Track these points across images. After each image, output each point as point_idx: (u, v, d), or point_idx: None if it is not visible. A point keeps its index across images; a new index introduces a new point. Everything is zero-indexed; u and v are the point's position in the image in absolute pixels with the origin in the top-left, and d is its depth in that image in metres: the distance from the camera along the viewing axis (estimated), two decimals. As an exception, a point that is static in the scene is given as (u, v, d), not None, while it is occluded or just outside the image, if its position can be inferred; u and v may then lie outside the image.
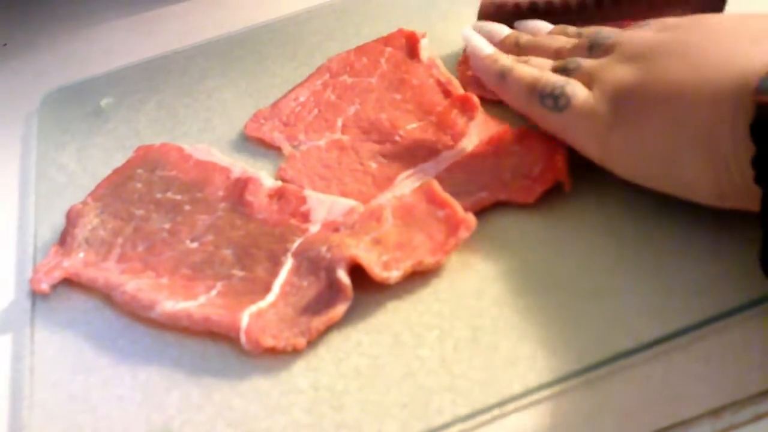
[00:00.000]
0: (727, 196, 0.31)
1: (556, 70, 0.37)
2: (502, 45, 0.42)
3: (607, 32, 0.38)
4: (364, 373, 0.32)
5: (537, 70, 0.38)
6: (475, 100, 0.41)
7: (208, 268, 0.37)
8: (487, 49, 0.41)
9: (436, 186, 0.37)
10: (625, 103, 0.33)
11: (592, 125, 0.34)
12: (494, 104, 0.41)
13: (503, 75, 0.39)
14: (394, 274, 0.34)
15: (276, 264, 0.36)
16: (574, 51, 0.38)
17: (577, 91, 0.35)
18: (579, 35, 0.40)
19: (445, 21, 0.48)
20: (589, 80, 0.36)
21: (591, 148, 0.35)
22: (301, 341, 0.33)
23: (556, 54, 0.39)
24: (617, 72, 0.34)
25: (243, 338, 0.33)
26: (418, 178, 0.39)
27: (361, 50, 0.46)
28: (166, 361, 0.34)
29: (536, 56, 0.40)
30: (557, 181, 0.36)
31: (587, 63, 0.36)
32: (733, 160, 0.30)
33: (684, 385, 0.30)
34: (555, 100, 0.36)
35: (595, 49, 0.37)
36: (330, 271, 0.34)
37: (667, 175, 0.33)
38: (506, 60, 0.39)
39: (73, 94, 0.50)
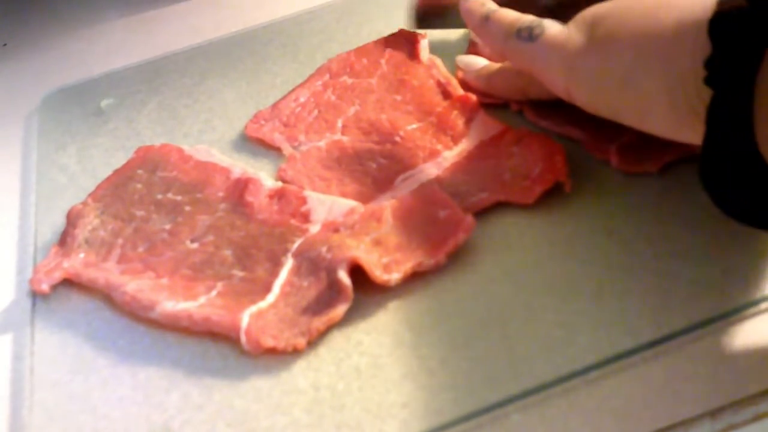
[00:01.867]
0: (681, 122, 0.31)
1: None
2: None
3: None
4: (364, 373, 0.32)
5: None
6: (475, 100, 0.41)
7: (208, 269, 0.37)
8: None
9: (436, 187, 0.37)
10: (597, 25, 0.34)
11: (561, 52, 0.35)
12: (494, 105, 0.42)
13: (487, 17, 0.39)
14: (394, 277, 0.34)
15: (276, 264, 0.36)
16: None
17: (553, 24, 0.36)
18: None
19: (445, 22, 0.48)
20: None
21: (557, 76, 0.36)
22: (302, 341, 0.33)
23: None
24: (596, 4, 0.35)
25: (243, 338, 0.33)
26: (418, 179, 0.39)
27: (361, 51, 0.46)
28: (166, 361, 0.34)
29: None
30: (557, 181, 0.36)
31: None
32: (692, 77, 0.30)
33: (684, 385, 0.30)
34: (530, 31, 0.36)
35: None
36: (330, 271, 0.34)
37: (624, 98, 0.33)
38: (492, 5, 0.40)
39: (73, 94, 0.50)
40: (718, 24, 0.29)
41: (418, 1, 0.45)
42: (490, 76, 0.42)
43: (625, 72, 0.33)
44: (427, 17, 0.45)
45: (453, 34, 0.47)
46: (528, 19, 0.37)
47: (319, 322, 0.33)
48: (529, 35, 0.36)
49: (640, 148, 0.37)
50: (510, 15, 0.38)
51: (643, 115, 0.33)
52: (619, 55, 0.33)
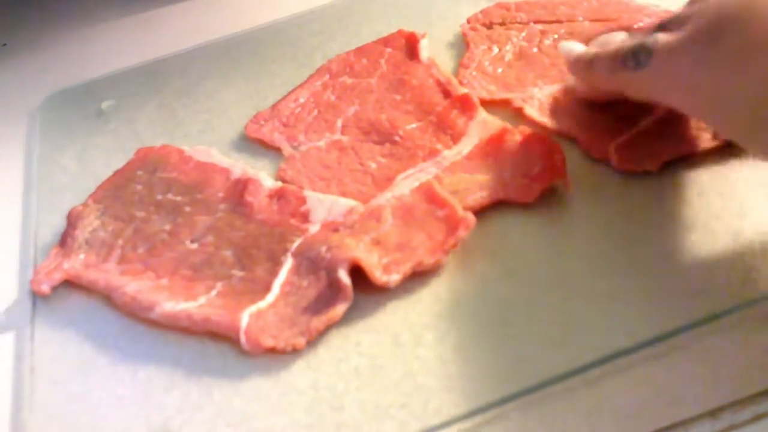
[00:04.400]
0: None
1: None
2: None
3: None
4: (363, 373, 0.32)
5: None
6: (475, 100, 0.41)
7: (208, 269, 0.37)
8: (579, 47, 0.38)
9: (436, 186, 0.37)
10: (723, 31, 0.28)
11: (678, 67, 0.30)
12: (494, 104, 0.42)
13: (592, 61, 0.36)
14: (393, 278, 0.34)
15: (276, 264, 0.36)
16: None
17: (659, 37, 0.31)
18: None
19: (445, 21, 0.48)
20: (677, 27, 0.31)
21: (678, 97, 0.31)
22: (301, 341, 0.33)
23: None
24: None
25: (243, 338, 0.33)
26: (417, 178, 0.39)
27: (360, 51, 0.46)
28: (166, 361, 0.34)
29: None
30: (556, 180, 0.36)
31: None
32: None
33: (684, 385, 0.30)
34: (635, 55, 0.32)
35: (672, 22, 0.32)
36: (330, 271, 0.34)
37: (752, 134, 0.28)
38: (595, 49, 0.37)
39: (74, 96, 0.50)
40: None
41: None
42: (591, 60, 0.36)
43: (754, 106, 0.27)
44: None
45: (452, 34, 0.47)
46: (630, 43, 0.33)
47: (318, 322, 0.33)
48: (636, 62, 0.32)
49: (638, 147, 0.37)
50: (611, 49, 0.34)
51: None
52: (750, 79, 0.27)
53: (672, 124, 0.37)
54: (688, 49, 0.30)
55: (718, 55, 0.28)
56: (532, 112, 0.41)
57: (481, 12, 0.47)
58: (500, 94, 0.42)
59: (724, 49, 0.28)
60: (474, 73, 0.43)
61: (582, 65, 0.37)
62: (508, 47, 0.44)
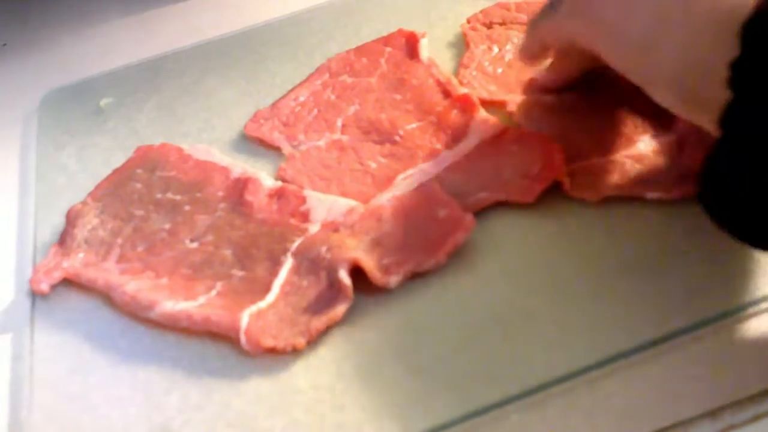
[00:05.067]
0: (685, 101, 0.30)
1: None
2: None
3: None
4: (364, 373, 0.32)
5: None
6: (475, 99, 0.41)
7: (207, 268, 0.37)
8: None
9: (436, 186, 0.37)
10: None
11: (584, 5, 0.34)
12: (494, 104, 0.42)
13: (528, 28, 0.39)
14: (393, 279, 0.34)
15: (276, 264, 0.36)
16: None
17: None
18: None
19: (445, 21, 0.48)
20: None
21: (583, 31, 0.34)
22: (301, 341, 0.33)
23: None
24: None
25: (243, 338, 0.33)
26: (417, 178, 0.39)
27: (360, 50, 0.46)
28: (166, 361, 0.34)
29: None
30: (556, 179, 0.36)
31: None
32: (708, 60, 0.28)
33: (683, 385, 0.30)
34: (552, 3, 0.36)
35: None
36: (331, 271, 0.34)
37: (638, 58, 0.32)
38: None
39: (72, 94, 0.50)
40: (752, 28, 0.27)
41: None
42: (551, 65, 0.41)
43: (644, 32, 0.31)
44: None
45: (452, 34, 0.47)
46: None
47: (318, 322, 0.33)
48: (551, 5, 0.36)
49: (588, 175, 0.37)
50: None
51: (651, 83, 0.32)
52: (643, 9, 0.31)
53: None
54: None
55: None
56: (519, 117, 0.40)
57: (482, 12, 0.47)
58: (500, 95, 0.42)
59: None
60: (474, 73, 0.43)
61: (525, 38, 0.40)
62: (508, 47, 0.44)
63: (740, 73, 0.27)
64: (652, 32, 0.31)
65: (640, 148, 0.37)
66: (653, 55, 0.31)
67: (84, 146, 0.46)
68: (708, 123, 0.29)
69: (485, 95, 0.42)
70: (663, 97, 0.31)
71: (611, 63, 0.33)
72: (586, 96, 0.40)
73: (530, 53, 0.40)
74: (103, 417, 0.33)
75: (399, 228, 0.36)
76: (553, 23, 0.37)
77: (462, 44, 0.46)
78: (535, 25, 0.39)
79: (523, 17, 0.46)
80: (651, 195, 0.35)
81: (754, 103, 0.27)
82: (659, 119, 0.37)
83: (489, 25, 0.46)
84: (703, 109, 0.29)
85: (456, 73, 0.44)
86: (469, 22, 0.47)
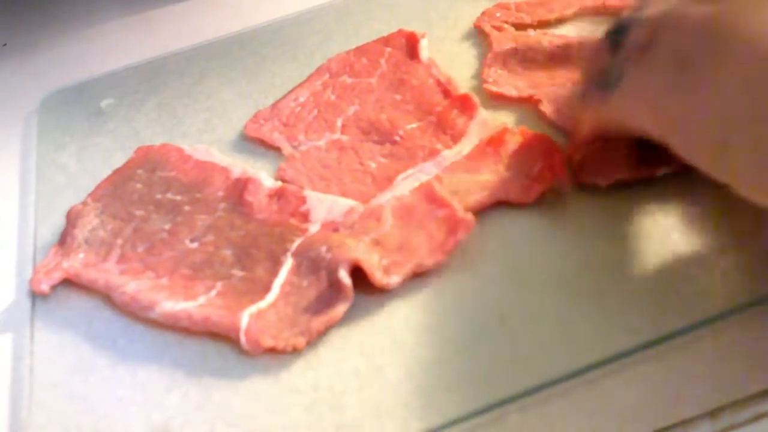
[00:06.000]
0: None
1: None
2: None
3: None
4: (364, 373, 0.32)
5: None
6: (475, 99, 0.41)
7: (207, 269, 0.37)
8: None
9: (436, 186, 0.37)
10: (693, 55, 0.27)
11: (646, 90, 0.29)
12: (494, 104, 0.42)
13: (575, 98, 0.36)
14: (393, 280, 0.34)
15: (276, 264, 0.36)
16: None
17: (627, 57, 0.30)
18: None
19: (445, 21, 0.48)
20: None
21: (646, 120, 0.30)
22: (301, 341, 0.33)
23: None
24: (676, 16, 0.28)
25: (243, 338, 0.33)
26: (417, 178, 0.39)
27: (360, 50, 0.46)
28: (166, 361, 0.34)
29: None
30: (556, 180, 0.36)
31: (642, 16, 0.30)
32: None
33: (683, 385, 0.30)
34: (605, 77, 0.31)
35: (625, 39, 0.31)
36: (331, 271, 0.34)
37: (716, 162, 0.27)
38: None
39: (73, 94, 0.50)
40: None
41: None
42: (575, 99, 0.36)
43: (719, 131, 0.26)
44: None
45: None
46: (599, 66, 0.32)
47: (318, 322, 0.33)
48: (605, 83, 0.31)
49: (594, 162, 0.36)
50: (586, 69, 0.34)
51: (737, 184, 0.27)
52: (709, 104, 0.27)
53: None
54: (656, 71, 0.29)
55: (686, 78, 0.28)
56: (547, 108, 0.40)
57: (499, 10, 0.47)
58: (528, 91, 0.41)
59: (693, 72, 0.27)
60: (500, 72, 0.43)
61: (572, 123, 0.36)
62: (532, 45, 0.44)
63: None
64: (727, 130, 0.26)
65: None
66: (729, 154, 0.27)
67: (84, 147, 0.46)
68: None
69: (514, 93, 0.42)
70: (750, 197, 0.27)
71: (687, 159, 0.29)
72: None
73: (580, 142, 0.35)
74: (103, 417, 0.33)
75: (399, 228, 0.36)
76: (611, 109, 0.31)
77: (462, 44, 0.46)
78: (582, 107, 0.33)
79: (526, 18, 0.46)
80: (661, 172, 0.35)
81: None
82: None
83: (509, 26, 0.46)
84: None
85: (480, 73, 0.43)
86: (481, 21, 0.46)
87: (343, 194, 0.39)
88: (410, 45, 0.46)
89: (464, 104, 0.41)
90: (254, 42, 0.50)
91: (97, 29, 0.56)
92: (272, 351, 0.33)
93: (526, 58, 0.44)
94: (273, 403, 0.32)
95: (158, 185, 0.41)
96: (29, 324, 0.37)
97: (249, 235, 0.38)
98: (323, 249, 0.35)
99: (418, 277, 0.35)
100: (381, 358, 0.33)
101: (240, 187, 0.40)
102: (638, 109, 0.30)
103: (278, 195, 0.39)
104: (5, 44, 0.56)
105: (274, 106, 0.45)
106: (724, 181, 0.28)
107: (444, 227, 0.35)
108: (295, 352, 0.33)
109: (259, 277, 0.36)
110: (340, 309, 0.34)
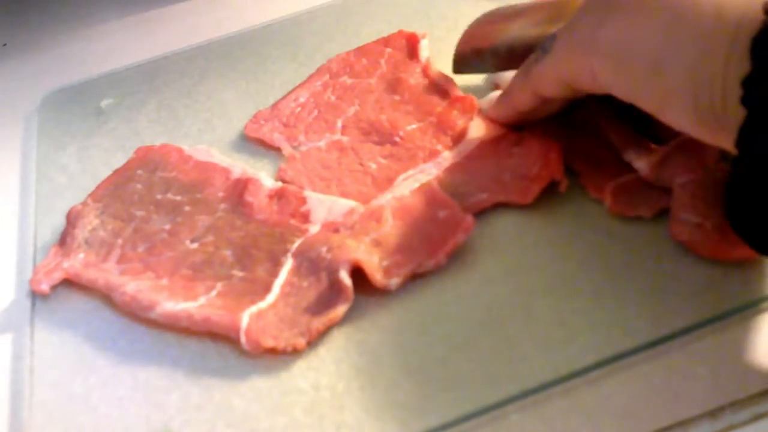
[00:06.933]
0: (702, 124, 0.29)
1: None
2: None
3: None
4: (364, 373, 0.32)
5: None
6: (475, 101, 0.41)
7: (208, 269, 0.37)
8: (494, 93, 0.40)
9: (436, 187, 0.37)
10: None
11: (580, 38, 0.32)
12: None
13: (515, 82, 0.38)
14: (394, 282, 0.34)
15: (276, 264, 0.36)
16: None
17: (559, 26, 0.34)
18: None
19: (445, 21, 0.48)
20: None
21: (582, 64, 0.32)
22: (301, 341, 0.33)
23: None
24: None
25: (243, 339, 0.33)
26: (417, 179, 0.39)
27: (361, 51, 0.46)
28: (166, 361, 0.34)
29: None
30: (553, 179, 0.36)
31: None
32: (720, 84, 0.27)
33: (683, 385, 0.30)
34: (543, 47, 0.34)
35: None
36: (331, 272, 0.34)
37: (647, 81, 0.30)
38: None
39: (73, 94, 0.50)
40: (762, 43, 0.26)
41: (457, 48, 0.43)
42: (507, 95, 0.39)
43: (652, 53, 0.30)
44: (465, 61, 0.42)
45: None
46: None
47: (318, 323, 0.33)
48: (543, 50, 0.34)
49: (635, 191, 0.36)
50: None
51: (663, 106, 0.30)
52: (648, 31, 0.30)
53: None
54: (586, 20, 0.32)
55: (614, 15, 0.31)
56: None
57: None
58: None
59: (618, 8, 0.31)
60: (505, 75, 0.43)
61: (513, 89, 0.38)
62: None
63: (753, 90, 0.27)
64: (661, 53, 0.29)
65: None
66: (664, 76, 0.29)
67: (84, 147, 0.46)
68: (726, 143, 0.28)
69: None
70: (677, 120, 0.30)
71: (618, 92, 0.32)
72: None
73: (519, 105, 0.38)
74: (103, 417, 0.33)
75: (399, 229, 0.36)
76: (547, 66, 0.34)
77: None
78: (527, 72, 0.36)
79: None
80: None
81: None
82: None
83: None
84: (720, 129, 0.28)
85: (488, 77, 0.43)
86: None
87: (344, 195, 0.39)
88: (410, 45, 0.46)
89: (464, 105, 0.41)
90: (254, 42, 0.50)
91: (97, 29, 0.56)
92: (272, 351, 0.33)
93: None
94: (273, 403, 0.32)
95: (158, 185, 0.41)
96: (29, 324, 0.37)
97: (249, 235, 0.38)
98: (323, 250, 0.35)
99: (418, 277, 0.35)
100: (381, 358, 0.33)
101: (240, 188, 0.40)
102: (578, 56, 0.33)
103: (278, 195, 0.39)
104: (5, 44, 0.56)
105: (274, 106, 0.45)
106: (653, 107, 0.31)
107: (444, 228, 0.35)
108: (296, 352, 0.33)
109: (259, 278, 0.36)
110: (341, 309, 0.34)
